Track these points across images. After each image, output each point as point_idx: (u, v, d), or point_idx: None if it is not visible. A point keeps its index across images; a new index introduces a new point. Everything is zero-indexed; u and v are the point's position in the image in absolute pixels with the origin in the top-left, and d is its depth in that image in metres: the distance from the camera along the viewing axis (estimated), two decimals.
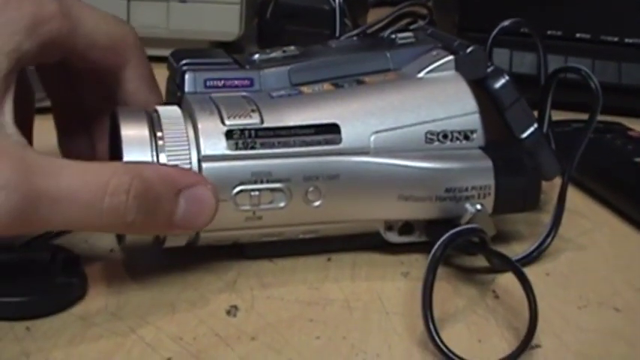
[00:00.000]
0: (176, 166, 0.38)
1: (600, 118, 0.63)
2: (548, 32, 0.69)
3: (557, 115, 0.52)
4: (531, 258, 0.44)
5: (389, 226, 0.43)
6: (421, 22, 0.69)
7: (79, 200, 0.34)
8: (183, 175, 0.37)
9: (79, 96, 0.44)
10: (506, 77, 0.45)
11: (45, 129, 0.45)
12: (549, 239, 0.44)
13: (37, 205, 0.33)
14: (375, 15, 0.93)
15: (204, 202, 0.36)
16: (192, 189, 0.36)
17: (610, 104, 0.68)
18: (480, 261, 0.43)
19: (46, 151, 0.36)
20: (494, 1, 0.68)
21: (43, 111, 0.45)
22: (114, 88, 0.42)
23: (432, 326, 0.36)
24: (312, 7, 0.80)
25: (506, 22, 0.54)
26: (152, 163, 0.37)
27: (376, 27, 0.69)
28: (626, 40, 0.69)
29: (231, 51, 0.47)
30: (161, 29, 0.72)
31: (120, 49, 0.41)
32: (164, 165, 0.37)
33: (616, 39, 0.69)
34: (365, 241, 0.43)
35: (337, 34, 0.74)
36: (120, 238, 0.40)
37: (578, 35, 0.69)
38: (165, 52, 0.70)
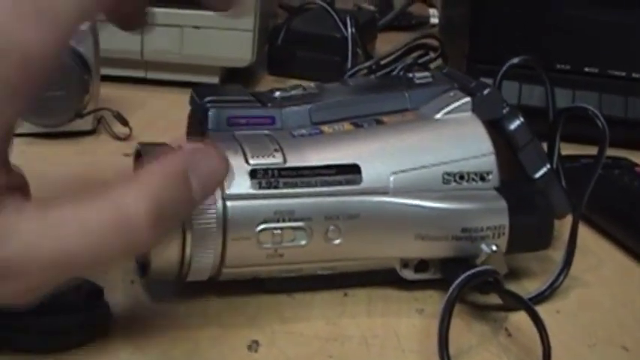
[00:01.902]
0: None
1: (607, 151, 0.64)
2: (557, 66, 0.70)
3: (566, 148, 0.53)
4: (544, 296, 0.45)
5: (405, 264, 0.44)
6: (432, 54, 0.70)
7: (85, 254, 0.31)
8: (182, 156, 0.35)
9: None
10: (521, 119, 0.46)
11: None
12: (561, 277, 0.45)
13: (41, 278, 0.31)
14: (384, 40, 0.94)
15: (212, 165, 0.35)
16: (197, 164, 0.34)
17: (616, 138, 0.69)
18: (492, 299, 0.44)
19: None
20: (504, 34, 0.70)
21: None
22: None
23: None
24: (323, 35, 0.81)
25: (515, 60, 0.55)
26: (153, 164, 0.34)
27: (388, 59, 0.70)
28: (634, 75, 0.71)
29: (242, 76, 0.48)
30: (174, 55, 0.73)
31: None
32: (162, 156, 0.35)
33: (623, 74, 0.70)
34: (380, 277, 0.44)
35: (349, 65, 0.75)
36: (142, 270, 0.41)
37: (586, 69, 0.70)
38: (179, 77, 0.71)
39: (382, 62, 0.70)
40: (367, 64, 0.71)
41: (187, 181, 0.34)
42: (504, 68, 0.54)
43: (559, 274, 0.46)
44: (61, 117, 0.59)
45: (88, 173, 0.56)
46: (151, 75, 0.76)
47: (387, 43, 0.88)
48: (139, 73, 0.75)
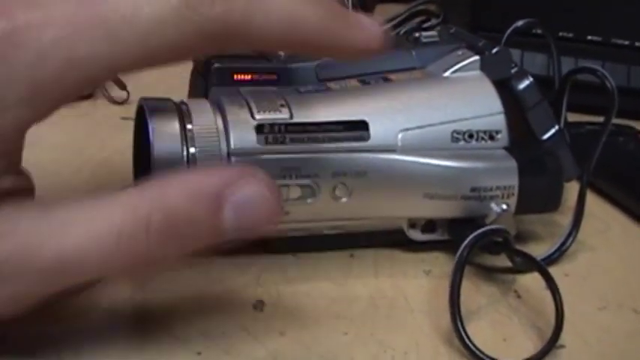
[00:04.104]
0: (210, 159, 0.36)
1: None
2: (560, 34, 0.69)
3: (570, 118, 0.52)
4: (553, 258, 0.44)
5: (412, 224, 0.43)
6: (434, 21, 0.69)
7: (88, 261, 0.29)
8: (219, 178, 0.30)
9: None
10: (530, 79, 0.45)
11: None
12: (570, 240, 0.45)
13: (40, 283, 0.29)
14: (382, 11, 0.93)
15: (256, 201, 0.30)
16: (238, 194, 0.30)
17: (619, 106, 0.68)
18: (500, 260, 0.43)
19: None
20: (506, 1, 0.69)
21: None
22: None
23: (460, 326, 0.36)
24: None
25: (519, 23, 0.54)
26: (179, 177, 0.31)
27: (389, 25, 0.69)
28: (637, 44, 0.70)
29: None
30: None
31: None
32: (191, 172, 0.33)
33: (627, 42, 0.70)
34: (387, 238, 0.44)
35: None
36: None
37: (589, 37, 0.70)
38: None
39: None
40: None
41: (217, 208, 0.30)
42: (509, 31, 0.53)
43: (568, 237, 0.45)
44: None
45: (86, 137, 0.55)
46: None
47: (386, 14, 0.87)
48: None
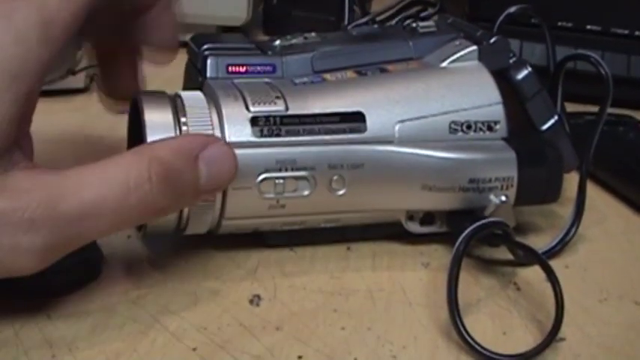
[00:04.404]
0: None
1: (609, 110, 0.63)
2: (559, 23, 0.68)
3: (569, 108, 0.52)
4: (555, 251, 0.44)
5: (410, 216, 0.42)
6: (430, 10, 0.69)
7: (106, 209, 0.32)
8: (194, 140, 0.36)
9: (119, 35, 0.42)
10: (529, 68, 0.45)
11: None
12: (572, 232, 0.44)
13: (66, 233, 0.32)
14: (380, 0, 0.92)
15: (223, 159, 0.36)
16: (208, 150, 0.35)
17: (619, 97, 0.68)
18: (500, 253, 0.43)
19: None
20: None
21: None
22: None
23: (458, 320, 0.36)
24: None
25: (512, 9, 0.53)
26: (161, 140, 0.36)
27: (386, 14, 0.69)
28: (636, 33, 0.69)
29: None
30: None
31: None
32: (172, 138, 0.37)
33: (626, 32, 0.69)
34: (384, 231, 0.43)
35: (346, 21, 0.73)
36: (139, 225, 0.39)
37: (588, 27, 0.69)
38: None
39: (379, 18, 0.68)
40: (363, 20, 0.69)
41: (196, 165, 0.35)
42: (501, 17, 0.52)
43: (570, 228, 0.44)
44: (53, 74, 0.57)
45: (81, 131, 0.55)
46: None
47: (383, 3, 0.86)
48: None
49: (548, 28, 0.54)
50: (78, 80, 0.59)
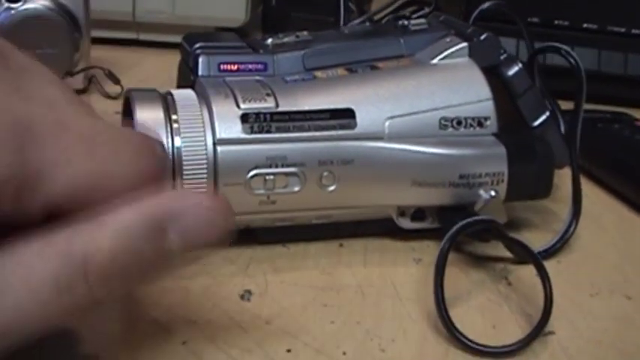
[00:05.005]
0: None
1: (606, 108, 0.63)
2: (556, 22, 0.69)
3: (563, 106, 0.52)
4: (554, 249, 0.44)
5: (401, 212, 0.43)
6: (427, 9, 0.69)
7: (31, 315, 0.26)
8: (166, 205, 0.28)
9: None
10: (519, 65, 0.45)
11: None
12: (572, 229, 0.44)
13: None
14: (380, 0, 0.93)
15: (204, 224, 0.29)
16: (183, 219, 0.28)
17: (616, 95, 0.68)
18: (492, 248, 0.43)
19: None
20: None
21: None
22: None
23: (444, 312, 0.36)
24: None
25: (485, 5, 0.52)
26: (115, 211, 0.27)
27: (381, 14, 0.69)
28: (633, 31, 0.69)
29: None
30: (166, 15, 0.72)
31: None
32: (138, 202, 0.28)
33: (623, 30, 0.69)
34: (376, 227, 0.43)
35: (342, 22, 0.73)
36: None
37: (585, 25, 0.69)
38: (171, 38, 0.69)
39: (375, 18, 0.68)
40: (359, 19, 0.69)
41: (163, 238, 0.28)
42: (475, 13, 0.52)
43: (569, 226, 0.44)
44: None
45: None
46: (143, 37, 0.75)
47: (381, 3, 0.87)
48: (131, 35, 0.74)
49: (523, 23, 0.53)
50: (76, 81, 0.60)
